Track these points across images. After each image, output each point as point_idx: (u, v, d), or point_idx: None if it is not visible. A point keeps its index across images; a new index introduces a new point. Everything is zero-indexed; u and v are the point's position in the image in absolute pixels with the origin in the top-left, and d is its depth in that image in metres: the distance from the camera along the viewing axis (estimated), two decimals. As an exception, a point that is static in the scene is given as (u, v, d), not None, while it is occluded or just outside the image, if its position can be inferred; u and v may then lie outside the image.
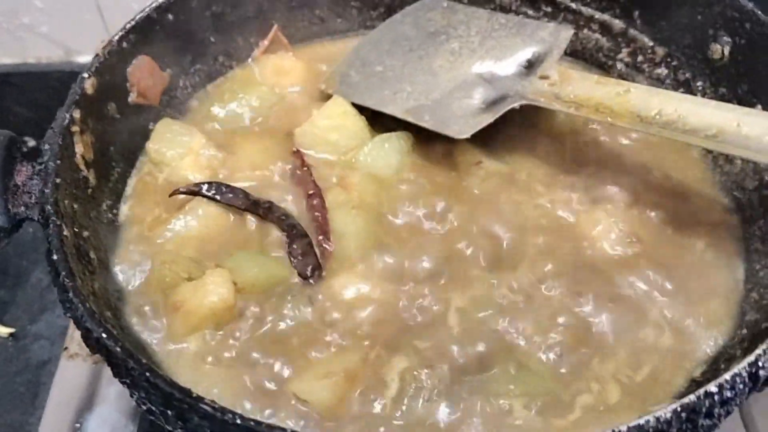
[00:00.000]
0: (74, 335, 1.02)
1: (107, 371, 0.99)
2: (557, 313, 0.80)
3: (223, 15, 1.05)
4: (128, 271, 0.84)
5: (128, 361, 0.62)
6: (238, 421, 0.57)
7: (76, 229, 0.78)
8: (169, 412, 0.61)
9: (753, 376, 0.60)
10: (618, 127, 0.86)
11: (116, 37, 0.93)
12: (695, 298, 0.82)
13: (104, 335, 0.64)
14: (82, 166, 0.85)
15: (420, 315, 0.81)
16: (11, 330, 1.19)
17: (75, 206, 0.80)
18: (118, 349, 0.63)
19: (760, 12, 0.88)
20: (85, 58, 1.44)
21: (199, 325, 0.78)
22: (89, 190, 0.86)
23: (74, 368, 0.98)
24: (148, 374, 0.61)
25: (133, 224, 0.90)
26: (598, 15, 1.06)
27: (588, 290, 0.81)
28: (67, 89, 0.86)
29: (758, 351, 0.62)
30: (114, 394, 0.96)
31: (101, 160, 0.89)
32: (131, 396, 0.66)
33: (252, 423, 0.57)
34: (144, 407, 0.64)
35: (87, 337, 0.66)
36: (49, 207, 0.74)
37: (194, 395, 0.59)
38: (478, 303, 0.82)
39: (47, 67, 1.41)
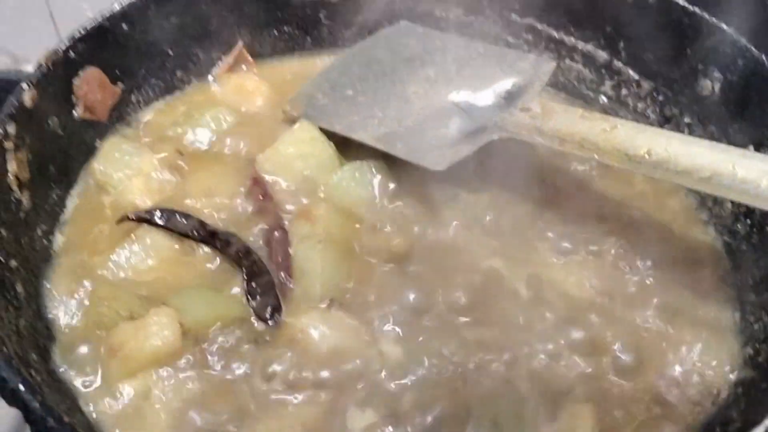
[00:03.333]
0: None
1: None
2: (533, 368, 0.73)
3: (184, 27, 0.98)
4: (62, 307, 0.75)
5: (48, 420, 0.53)
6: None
7: (2, 259, 0.69)
8: (94, 480, 0.52)
9: (763, 451, 0.54)
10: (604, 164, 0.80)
11: (63, 47, 0.85)
12: (682, 353, 0.76)
13: (21, 387, 0.55)
14: (15, 187, 0.76)
15: (388, 363, 0.73)
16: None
17: (2, 232, 0.71)
18: (37, 404, 0.54)
19: (753, 48, 0.83)
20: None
21: (139, 371, 0.69)
22: (21, 214, 0.77)
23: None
24: (70, 436, 0.52)
25: (70, 253, 0.81)
26: (581, 45, 1.01)
27: (566, 347, 0.75)
28: (13, 99, 0.78)
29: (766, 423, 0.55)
30: None
31: (38, 180, 0.80)
32: (53, 456, 0.57)
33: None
34: (67, 471, 0.55)
35: (2, 388, 0.56)
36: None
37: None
38: (449, 353, 0.74)
39: (-8, 75, 1.31)
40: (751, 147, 0.83)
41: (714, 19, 0.87)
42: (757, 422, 0.57)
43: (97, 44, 0.89)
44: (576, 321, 0.77)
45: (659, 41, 0.93)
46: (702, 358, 0.75)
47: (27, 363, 0.62)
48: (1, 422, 0.87)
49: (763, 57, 0.83)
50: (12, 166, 0.75)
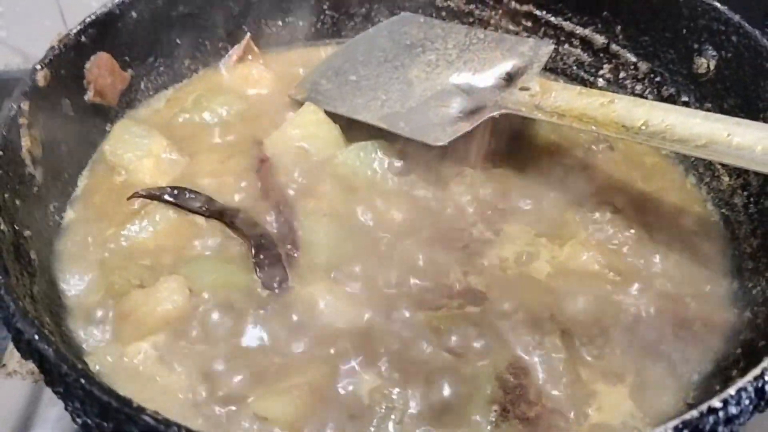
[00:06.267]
0: (15, 351, 0.94)
1: (48, 391, 0.92)
2: (537, 340, 0.75)
3: (192, 17, 1.00)
4: (74, 278, 0.77)
5: (62, 366, 0.54)
6: (185, 434, 0.50)
7: (17, 227, 0.71)
8: (107, 425, 0.53)
9: (759, 391, 0.55)
10: (603, 137, 0.82)
11: (74, 31, 0.87)
12: (684, 319, 0.77)
13: (36, 336, 0.56)
14: (28, 162, 0.78)
15: (392, 331, 0.74)
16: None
17: (17, 202, 0.73)
18: (52, 352, 0.55)
19: (746, 24, 0.85)
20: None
21: (150, 334, 0.71)
22: (35, 188, 0.79)
23: (11, 387, 0.89)
24: (83, 380, 0.53)
25: (81, 228, 0.83)
26: (579, 30, 1.03)
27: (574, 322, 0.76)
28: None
29: (764, 364, 0.57)
30: (54, 417, 0.87)
31: (51, 158, 0.82)
32: (66, 408, 0.58)
33: (200, 436, 0.50)
34: (80, 421, 0.57)
35: (17, 340, 0.58)
36: (-16, 196, 0.67)
37: (135, 405, 0.52)
38: (451, 322, 0.75)
39: (5, 74, 1.34)
40: (747, 121, 0.84)
41: (707, -2, 0.89)
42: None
43: (107, 30, 0.91)
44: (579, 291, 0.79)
45: (655, 22, 0.95)
46: (698, 325, 0.76)
47: (41, 323, 0.63)
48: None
49: (756, 32, 0.85)
50: (26, 142, 0.77)
